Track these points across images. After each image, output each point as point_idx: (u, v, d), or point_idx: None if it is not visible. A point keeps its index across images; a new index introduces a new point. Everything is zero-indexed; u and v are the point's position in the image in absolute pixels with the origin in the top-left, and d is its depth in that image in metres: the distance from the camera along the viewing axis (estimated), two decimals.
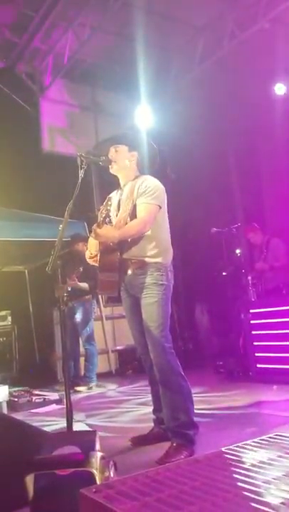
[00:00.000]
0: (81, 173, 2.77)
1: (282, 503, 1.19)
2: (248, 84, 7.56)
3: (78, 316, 5.83)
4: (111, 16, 6.01)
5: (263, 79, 7.43)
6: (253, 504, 1.20)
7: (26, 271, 8.27)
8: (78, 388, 5.58)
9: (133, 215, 2.80)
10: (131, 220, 2.79)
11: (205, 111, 8.08)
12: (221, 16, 6.60)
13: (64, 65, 7.11)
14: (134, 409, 4.26)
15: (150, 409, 3.13)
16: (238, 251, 5.83)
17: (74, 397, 4.78)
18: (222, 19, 6.62)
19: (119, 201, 2.98)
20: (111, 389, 5.69)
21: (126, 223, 2.79)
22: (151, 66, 7.51)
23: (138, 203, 2.80)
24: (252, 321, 5.08)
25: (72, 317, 5.84)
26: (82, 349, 5.99)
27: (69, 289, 5.30)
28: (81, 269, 5.62)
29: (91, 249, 2.95)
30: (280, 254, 5.71)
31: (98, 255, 2.86)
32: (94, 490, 1.32)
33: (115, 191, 3.07)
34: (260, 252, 5.92)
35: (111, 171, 2.99)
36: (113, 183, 3.10)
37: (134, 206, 2.81)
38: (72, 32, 6.61)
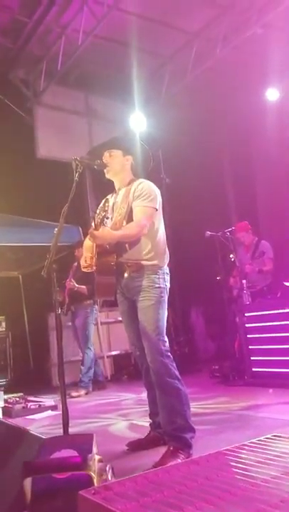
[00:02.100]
0: (76, 177, 2.77)
1: (281, 501, 1.19)
2: (241, 90, 7.63)
3: (79, 321, 5.85)
4: (104, 21, 6.04)
5: (256, 84, 7.50)
6: (252, 503, 1.20)
7: (20, 276, 8.24)
8: (74, 394, 5.56)
9: (129, 218, 2.80)
10: (127, 223, 2.79)
11: (198, 116, 8.14)
12: (214, 22, 6.65)
13: (58, 71, 7.14)
14: (130, 413, 4.25)
15: (147, 413, 3.12)
16: (232, 255, 5.84)
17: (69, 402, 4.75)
18: (215, 25, 6.68)
19: (114, 205, 2.98)
20: (106, 394, 5.67)
21: (122, 226, 2.79)
22: (145, 72, 7.57)
23: (134, 206, 2.80)
24: (247, 325, 5.09)
25: (74, 321, 5.90)
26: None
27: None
28: (76, 264, 5.63)
29: (86, 253, 2.93)
30: (268, 258, 5.74)
31: (94, 258, 2.85)
32: (93, 491, 1.32)
33: (110, 195, 3.07)
34: (247, 251, 5.94)
35: (107, 175, 3.00)
36: (108, 187, 3.11)
37: (130, 209, 2.82)
38: (65, 38, 6.64)
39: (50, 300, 2.70)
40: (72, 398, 5.37)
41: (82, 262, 2.96)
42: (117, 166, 2.96)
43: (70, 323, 6.66)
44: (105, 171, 2.97)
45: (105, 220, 2.75)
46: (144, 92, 7.77)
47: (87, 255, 2.90)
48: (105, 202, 2.83)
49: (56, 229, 2.72)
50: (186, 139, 7.93)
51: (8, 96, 7.47)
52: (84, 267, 2.94)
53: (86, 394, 5.65)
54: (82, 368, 5.80)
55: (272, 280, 5.71)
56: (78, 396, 5.55)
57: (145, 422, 3.18)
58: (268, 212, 8.25)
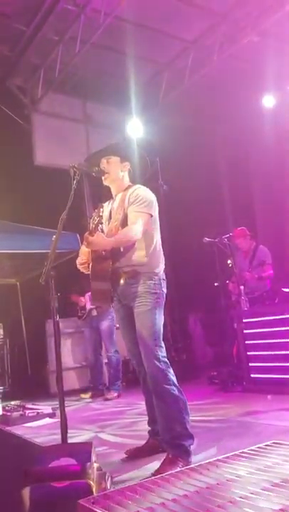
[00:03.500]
0: (74, 184, 2.78)
1: (281, 509, 1.18)
2: (238, 97, 7.68)
3: (105, 324, 5.85)
4: (102, 29, 6.07)
5: (252, 91, 7.55)
6: (250, 511, 1.20)
7: (18, 283, 8.22)
8: (109, 396, 5.63)
9: (124, 224, 2.81)
10: (122, 228, 2.80)
11: (195, 123, 8.18)
12: (210, 29, 6.70)
13: (55, 78, 7.16)
14: (129, 421, 4.23)
15: (145, 420, 3.10)
16: (229, 261, 5.84)
17: (67, 409, 4.73)
18: (212, 33, 6.73)
19: (110, 211, 2.99)
20: (104, 402, 5.65)
21: (117, 232, 2.79)
22: (142, 79, 7.61)
23: (129, 211, 2.81)
24: (245, 331, 5.08)
25: (95, 326, 5.90)
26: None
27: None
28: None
29: (81, 258, 2.94)
30: (267, 264, 5.74)
31: (90, 265, 2.85)
32: (92, 500, 1.31)
33: (107, 202, 3.08)
34: (245, 258, 5.95)
35: (104, 182, 3.01)
36: (106, 195, 3.11)
37: (126, 215, 2.82)
38: (63, 45, 6.67)
39: (49, 307, 2.69)
40: (107, 400, 5.52)
41: (78, 260, 2.96)
42: (114, 172, 2.97)
43: (70, 330, 6.67)
44: (103, 177, 2.97)
45: (100, 225, 2.75)
46: (141, 99, 7.80)
47: (84, 259, 2.92)
48: (100, 207, 2.83)
49: (54, 236, 2.72)
50: (183, 146, 7.95)
51: (5, 103, 7.49)
52: (80, 264, 2.94)
53: (118, 396, 5.67)
54: (112, 371, 5.84)
55: (272, 286, 5.71)
56: (112, 399, 5.60)
57: (144, 430, 3.16)
58: (265, 218, 8.27)
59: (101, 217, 2.76)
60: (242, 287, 5.43)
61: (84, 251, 2.91)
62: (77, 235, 6.44)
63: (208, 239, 5.91)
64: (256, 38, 6.37)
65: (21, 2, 6.00)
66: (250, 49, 6.59)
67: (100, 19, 5.99)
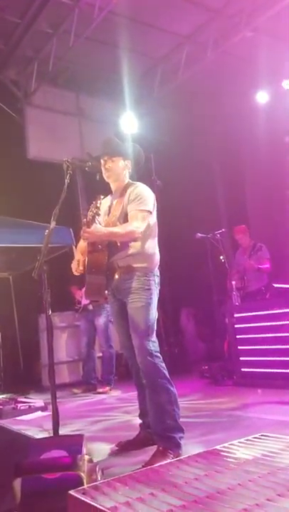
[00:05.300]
0: (67, 179, 2.79)
1: (267, 499, 1.22)
2: (231, 92, 7.69)
3: (101, 319, 5.86)
4: (96, 23, 6.05)
5: (246, 87, 7.56)
6: (239, 502, 1.23)
7: (11, 277, 8.21)
8: (101, 390, 5.68)
9: (122, 219, 2.83)
10: (120, 225, 2.81)
11: (189, 118, 8.19)
12: (204, 25, 6.70)
13: (49, 72, 7.13)
14: (120, 413, 4.26)
15: (137, 413, 3.13)
16: (222, 257, 5.89)
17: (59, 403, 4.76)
18: (205, 28, 6.73)
19: (110, 206, 3.00)
20: (96, 395, 5.68)
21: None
22: (136, 73, 7.59)
23: (129, 209, 2.82)
24: (236, 325, 5.12)
25: (90, 320, 5.92)
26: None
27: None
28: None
29: (79, 256, 2.95)
30: (266, 258, 5.81)
31: (86, 258, 2.86)
32: (82, 491, 1.34)
33: (107, 196, 3.08)
34: (244, 253, 6.02)
35: (107, 180, 3.02)
36: (99, 189, 3.12)
37: (124, 212, 2.84)
38: (56, 39, 6.64)
39: (41, 301, 2.70)
40: (99, 394, 5.57)
41: (74, 266, 2.97)
42: (119, 171, 2.99)
43: (62, 324, 6.67)
44: (106, 175, 2.99)
45: (97, 217, 2.77)
46: (135, 93, 7.80)
47: (80, 258, 2.93)
48: (98, 199, 2.83)
49: (47, 230, 2.73)
50: (176, 140, 7.96)
51: None
52: (76, 271, 2.96)
53: (110, 390, 5.70)
54: (105, 366, 5.88)
55: (269, 281, 5.76)
56: (104, 392, 5.64)
57: (135, 422, 3.19)
58: (257, 214, 8.31)
59: (98, 208, 2.77)
60: (233, 282, 5.48)
61: (82, 247, 2.93)
62: (71, 229, 6.44)
63: (200, 234, 5.95)
64: (250, 33, 6.39)
65: None
66: (243, 45, 6.61)
67: (94, 13, 5.97)
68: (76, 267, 2.96)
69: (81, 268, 2.91)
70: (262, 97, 7.61)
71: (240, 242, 6.16)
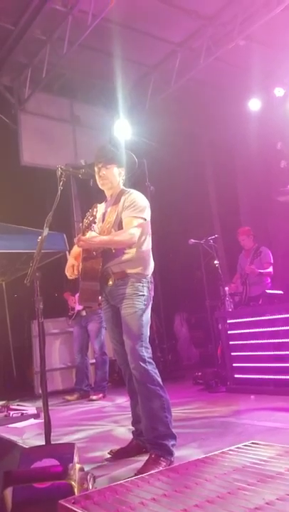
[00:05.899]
0: (60, 186, 2.79)
1: (256, 508, 1.22)
2: (224, 100, 7.74)
3: (94, 325, 5.82)
4: (90, 30, 6.08)
5: (239, 94, 7.62)
6: (226, 511, 1.23)
7: (4, 283, 8.19)
8: (94, 397, 5.63)
9: (117, 226, 2.84)
10: (115, 231, 2.82)
11: (182, 125, 8.23)
12: (197, 32, 6.75)
13: (43, 79, 7.15)
14: (113, 421, 4.24)
15: (129, 421, 3.13)
16: (215, 262, 5.90)
17: (52, 410, 4.73)
18: (198, 36, 6.78)
19: (104, 213, 3.01)
20: (89, 402, 5.66)
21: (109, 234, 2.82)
22: (130, 80, 7.63)
23: (124, 216, 2.84)
24: (229, 332, 5.13)
25: (84, 326, 5.88)
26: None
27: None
28: None
29: (73, 261, 2.96)
30: (267, 263, 5.80)
31: (80, 264, 2.87)
32: (72, 501, 1.33)
33: (102, 203, 3.10)
34: (247, 256, 6.01)
35: (102, 187, 3.03)
36: (93, 196, 3.13)
37: (119, 219, 2.85)
38: (50, 45, 6.66)
39: (34, 308, 2.70)
40: (92, 401, 5.52)
41: (69, 271, 2.97)
42: (113, 178, 3.01)
43: (56, 331, 6.63)
44: (100, 183, 3.01)
45: (92, 225, 2.78)
46: (129, 100, 7.84)
47: (74, 263, 2.93)
48: (94, 207, 2.84)
49: (40, 237, 2.73)
50: (169, 147, 8.00)
51: None
52: (71, 276, 2.96)
53: (103, 397, 5.67)
54: (98, 372, 5.84)
55: (271, 286, 5.74)
56: (98, 399, 5.60)
57: (127, 430, 3.18)
58: (250, 220, 8.35)
59: (94, 216, 2.78)
60: (226, 288, 5.48)
61: (75, 252, 2.93)
62: (64, 235, 6.44)
63: (193, 240, 5.96)
64: (242, 41, 6.44)
65: (9, 1, 5.98)
66: (236, 52, 6.66)
67: (87, 20, 5.99)
68: (71, 272, 2.96)
69: (76, 273, 2.92)
70: (254, 105, 7.67)
71: (242, 244, 6.06)
